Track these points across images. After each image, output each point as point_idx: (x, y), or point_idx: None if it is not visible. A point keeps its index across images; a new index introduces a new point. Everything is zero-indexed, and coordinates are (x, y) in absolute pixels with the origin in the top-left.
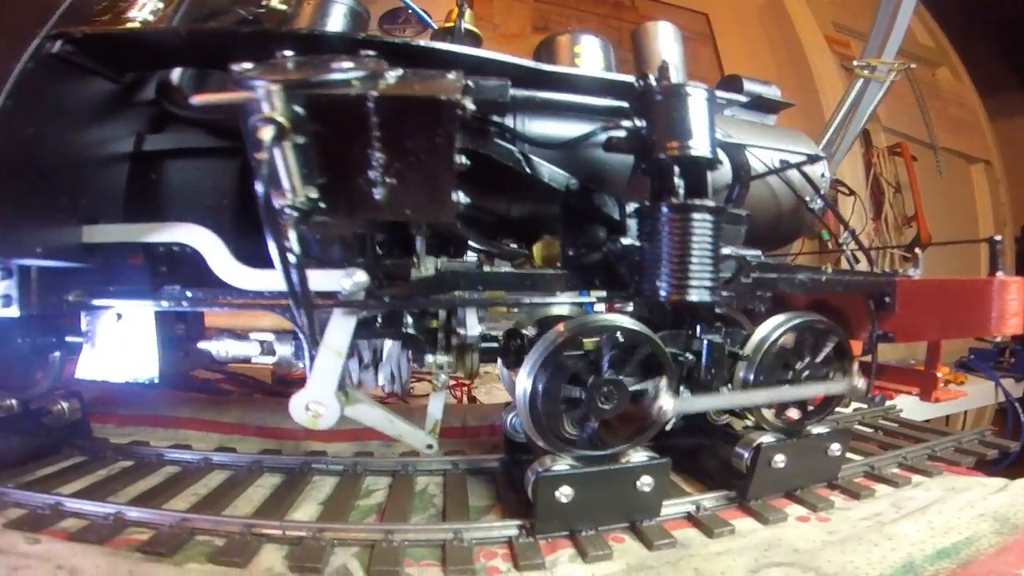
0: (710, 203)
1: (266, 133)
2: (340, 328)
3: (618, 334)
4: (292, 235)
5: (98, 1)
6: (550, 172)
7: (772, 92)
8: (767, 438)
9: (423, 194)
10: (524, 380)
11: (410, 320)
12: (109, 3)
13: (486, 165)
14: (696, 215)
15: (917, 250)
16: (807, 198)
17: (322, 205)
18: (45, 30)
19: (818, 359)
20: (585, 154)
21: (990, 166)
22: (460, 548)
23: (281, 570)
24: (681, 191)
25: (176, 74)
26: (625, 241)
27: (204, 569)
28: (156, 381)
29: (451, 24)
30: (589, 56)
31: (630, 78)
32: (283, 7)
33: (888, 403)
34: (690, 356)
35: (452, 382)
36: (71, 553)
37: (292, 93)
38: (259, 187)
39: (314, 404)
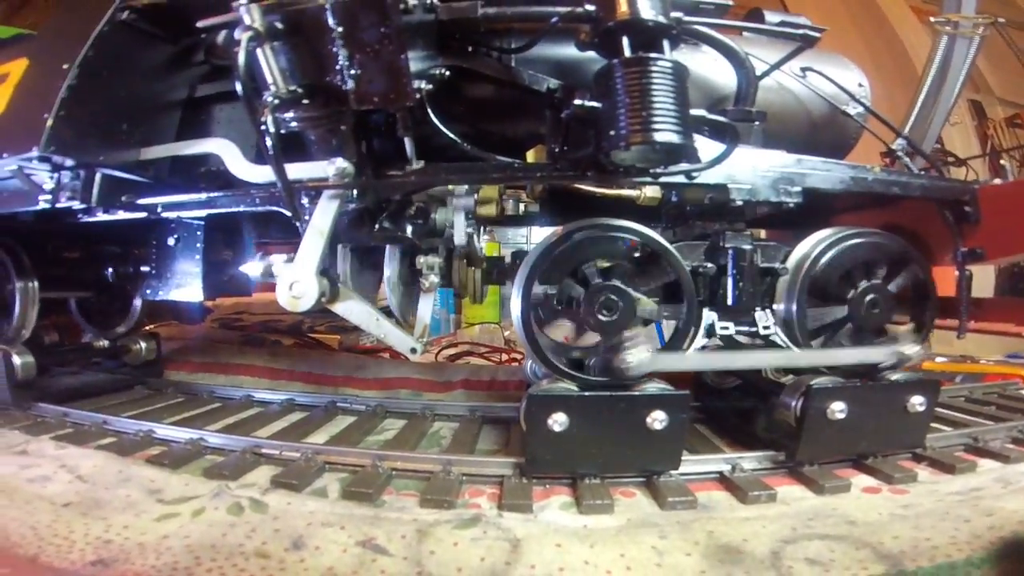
0: (666, 57)
1: (244, 37)
2: (324, 211)
3: (616, 233)
4: (270, 119)
5: None
6: (531, 77)
7: (799, 20)
8: (822, 380)
9: (384, 82)
10: (516, 293)
11: (410, 228)
12: None
13: (489, 93)
14: (651, 65)
15: (1003, 161)
16: (844, 106)
17: (306, 101)
18: (117, 2)
19: (890, 286)
20: (565, 58)
21: None
22: (445, 480)
23: (264, 485)
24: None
25: (221, 36)
26: (580, 101)
27: (193, 478)
28: (203, 302)
29: None
30: None
31: None
32: None
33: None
34: (710, 266)
35: (505, 357)
36: (81, 456)
37: (268, 10)
38: (238, 85)
39: (296, 284)
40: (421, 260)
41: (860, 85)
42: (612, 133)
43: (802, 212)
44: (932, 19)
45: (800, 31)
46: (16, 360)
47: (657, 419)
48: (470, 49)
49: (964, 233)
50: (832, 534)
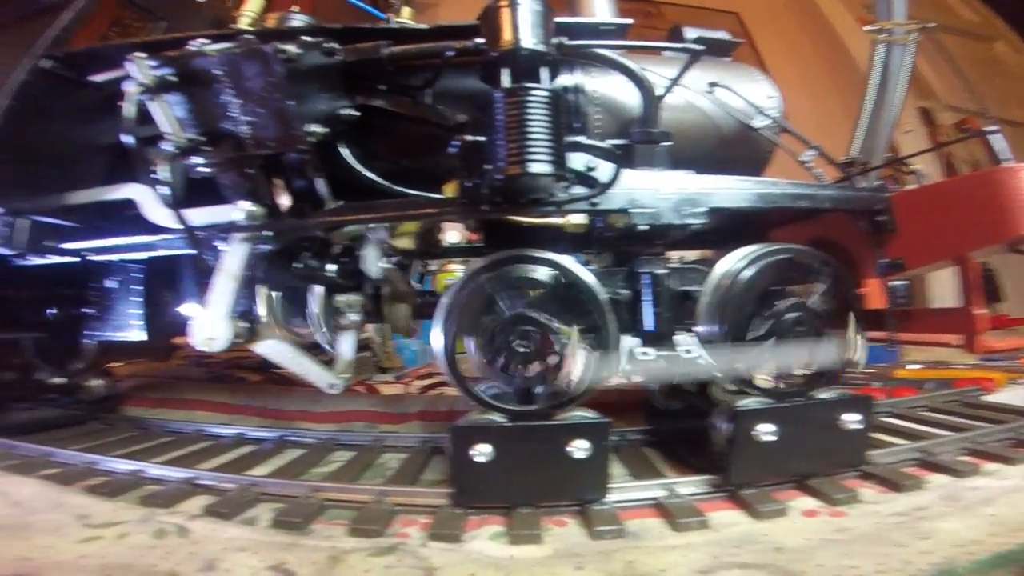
0: (540, 86)
1: (131, 89)
2: (235, 254)
3: (529, 265)
4: (166, 169)
5: (82, 30)
6: (438, 112)
7: (717, 35)
8: (748, 402)
9: (274, 128)
10: (437, 328)
11: (332, 267)
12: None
13: (406, 129)
14: (526, 96)
15: (919, 167)
16: (753, 121)
17: (207, 148)
18: (38, 51)
19: (811, 303)
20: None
21: None
22: (377, 511)
23: (196, 513)
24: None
25: None
26: (463, 136)
27: (125, 506)
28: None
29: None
30: None
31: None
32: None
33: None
34: (626, 292)
35: None
36: (20, 484)
37: (157, 63)
38: (124, 137)
39: (208, 326)
40: (340, 299)
41: (769, 97)
42: (490, 166)
43: (737, 229)
44: (866, 28)
45: (681, 45)
46: None
47: (579, 447)
48: (382, 88)
49: (884, 244)
50: (754, 563)
